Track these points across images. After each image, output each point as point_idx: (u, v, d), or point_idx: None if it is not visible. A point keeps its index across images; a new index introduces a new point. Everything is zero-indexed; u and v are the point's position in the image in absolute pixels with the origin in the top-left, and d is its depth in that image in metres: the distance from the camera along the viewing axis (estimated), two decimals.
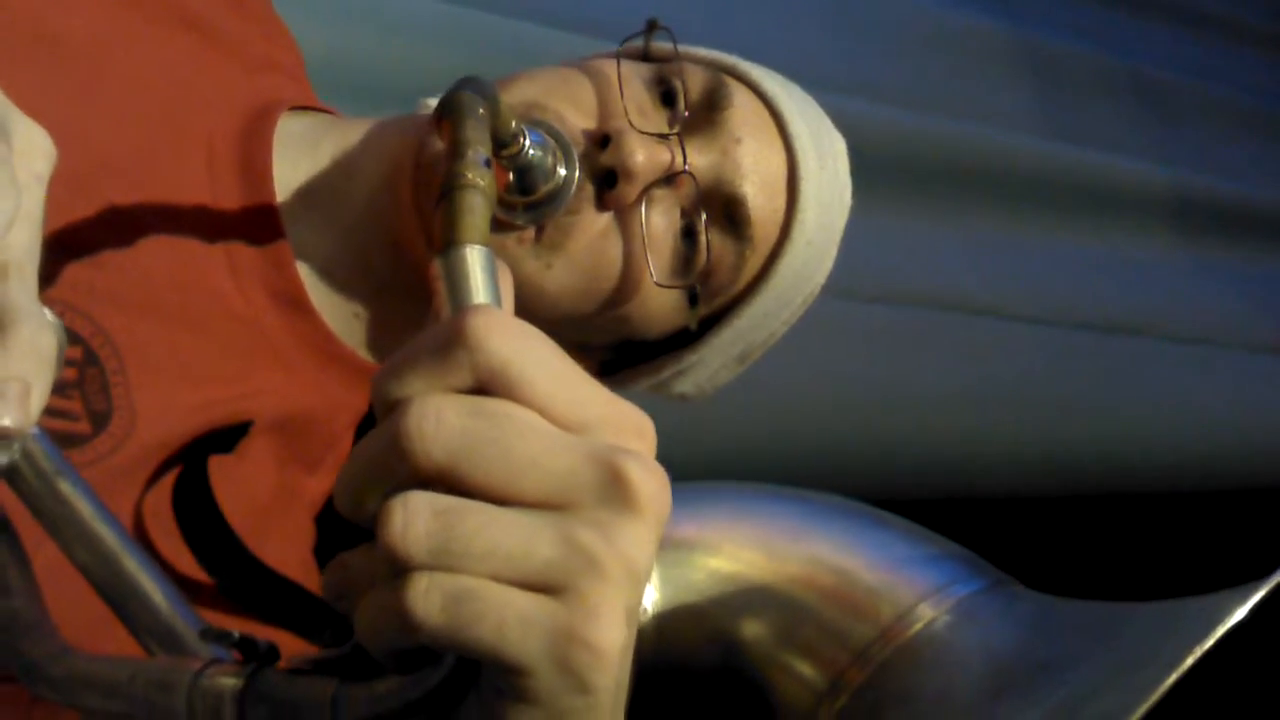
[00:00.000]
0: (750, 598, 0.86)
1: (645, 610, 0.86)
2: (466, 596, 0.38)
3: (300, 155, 0.78)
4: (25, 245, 0.40)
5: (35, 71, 0.63)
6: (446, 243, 0.45)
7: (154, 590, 0.47)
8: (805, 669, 0.84)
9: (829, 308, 1.79)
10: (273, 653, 0.44)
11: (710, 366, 0.86)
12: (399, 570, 0.38)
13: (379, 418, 0.41)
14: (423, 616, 0.38)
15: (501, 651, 0.39)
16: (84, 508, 0.46)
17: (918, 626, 0.82)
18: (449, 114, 0.54)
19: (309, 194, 0.77)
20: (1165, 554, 2.46)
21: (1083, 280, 2.27)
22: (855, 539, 0.88)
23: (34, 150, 0.42)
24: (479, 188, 0.47)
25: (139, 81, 0.77)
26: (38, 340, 0.39)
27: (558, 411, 0.40)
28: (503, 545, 0.39)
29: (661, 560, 0.87)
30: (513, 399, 0.40)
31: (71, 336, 0.67)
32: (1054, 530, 2.38)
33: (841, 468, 1.87)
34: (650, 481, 0.40)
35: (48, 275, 0.66)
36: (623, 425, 0.41)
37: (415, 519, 0.38)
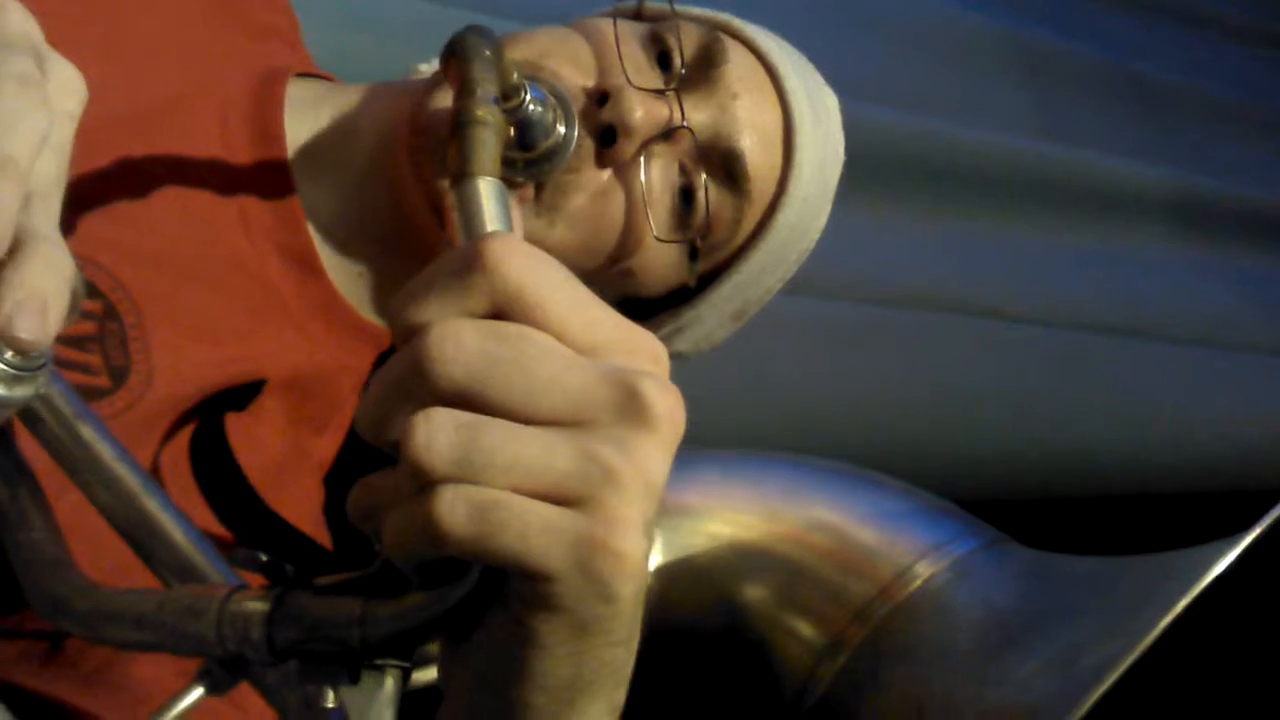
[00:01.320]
0: (750, 560, 0.87)
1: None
2: (491, 506, 0.39)
3: (307, 117, 0.80)
4: (52, 176, 0.41)
5: (54, 28, 0.66)
6: (459, 175, 0.47)
7: (175, 528, 0.47)
8: (805, 628, 0.85)
9: (827, 309, 1.81)
10: (300, 576, 0.44)
11: (707, 324, 0.87)
12: (424, 484, 0.39)
13: (397, 343, 0.42)
14: (449, 526, 0.39)
15: (527, 558, 0.39)
16: (105, 450, 0.47)
17: (916, 584, 0.83)
18: (457, 54, 0.56)
19: (313, 155, 0.79)
20: None
21: (1082, 281, 2.26)
22: (852, 500, 0.89)
23: (67, 88, 0.43)
24: (489, 123, 0.49)
25: (154, 40, 0.78)
26: (56, 260, 0.38)
27: (574, 335, 0.41)
28: (524, 458, 0.39)
29: (662, 526, 0.88)
30: (529, 323, 0.40)
31: (91, 290, 0.68)
32: (1053, 533, 2.36)
33: None
34: (665, 399, 0.41)
35: (67, 229, 0.68)
36: (636, 348, 0.42)
37: (439, 433, 0.39)
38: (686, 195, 0.79)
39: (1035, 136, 2.26)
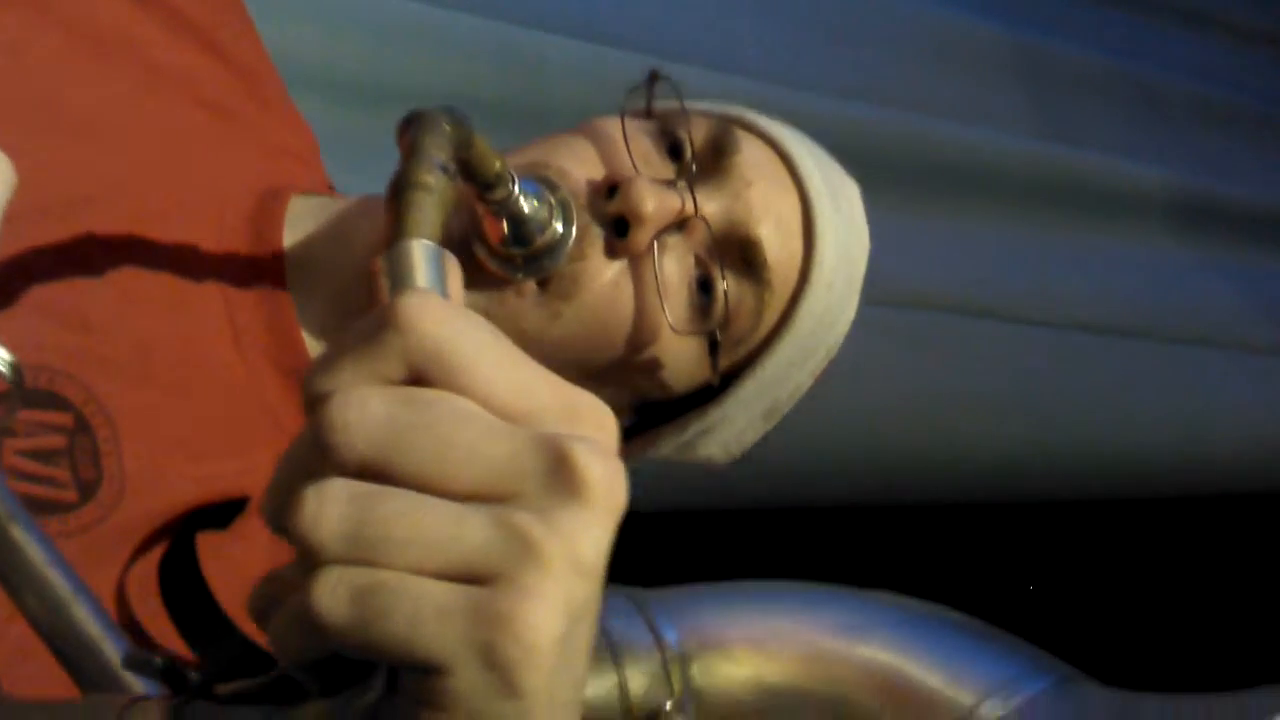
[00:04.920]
0: (797, 703, 0.82)
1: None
2: (378, 588, 0.34)
3: (304, 230, 0.76)
4: None
5: (42, 137, 0.63)
6: (391, 238, 0.42)
7: (104, 641, 0.44)
8: None
9: None
10: (203, 686, 0.40)
11: (736, 424, 0.82)
12: (311, 566, 0.34)
13: (306, 416, 0.37)
14: (326, 612, 0.34)
15: (413, 646, 0.34)
16: (36, 554, 0.44)
17: None
18: (410, 125, 0.51)
19: (308, 265, 0.75)
20: (1166, 559, 2.47)
21: (1082, 282, 2.25)
22: (909, 637, 0.83)
23: None
24: (431, 188, 0.45)
25: (153, 150, 0.75)
26: None
27: (501, 400, 0.36)
28: (426, 531, 0.34)
29: (702, 664, 0.83)
30: (450, 387, 0.36)
31: (62, 403, 0.65)
32: (1054, 535, 2.38)
33: (841, 472, 1.86)
34: (599, 466, 0.35)
35: (39, 339, 0.65)
36: (577, 415, 0.37)
37: (329, 505, 0.34)
38: (705, 287, 0.74)
39: (1035, 137, 2.26)
